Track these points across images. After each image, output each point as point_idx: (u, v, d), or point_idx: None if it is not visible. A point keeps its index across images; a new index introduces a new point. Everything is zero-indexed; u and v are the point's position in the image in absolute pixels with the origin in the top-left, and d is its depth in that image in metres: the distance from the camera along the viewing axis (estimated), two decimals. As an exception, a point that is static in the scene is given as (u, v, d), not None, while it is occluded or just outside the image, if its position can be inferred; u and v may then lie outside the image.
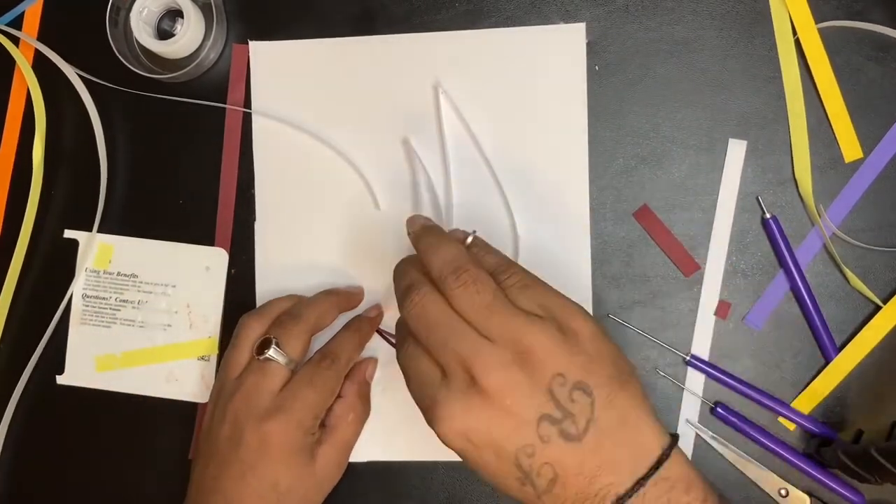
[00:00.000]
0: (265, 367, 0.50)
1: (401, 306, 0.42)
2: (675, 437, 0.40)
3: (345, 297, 0.55)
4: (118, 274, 0.58)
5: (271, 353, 0.50)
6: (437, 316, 0.41)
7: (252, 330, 0.52)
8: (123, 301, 0.57)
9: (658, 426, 0.40)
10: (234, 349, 0.52)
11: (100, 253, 0.58)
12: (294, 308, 0.53)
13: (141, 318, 0.57)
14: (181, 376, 0.57)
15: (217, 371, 0.56)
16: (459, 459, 0.54)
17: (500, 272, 0.42)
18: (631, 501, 0.38)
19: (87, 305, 0.58)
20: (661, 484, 0.39)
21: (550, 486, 0.39)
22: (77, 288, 0.58)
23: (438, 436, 0.40)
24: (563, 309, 0.41)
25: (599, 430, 0.39)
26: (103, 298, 0.58)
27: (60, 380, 0.58)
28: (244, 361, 0.52)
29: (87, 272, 0.58)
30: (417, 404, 0.42)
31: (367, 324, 0.55)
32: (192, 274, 0.57)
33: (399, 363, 0.43)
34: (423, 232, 0.44)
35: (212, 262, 0.57)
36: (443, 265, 0.42)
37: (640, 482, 0.38)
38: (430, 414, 0.40)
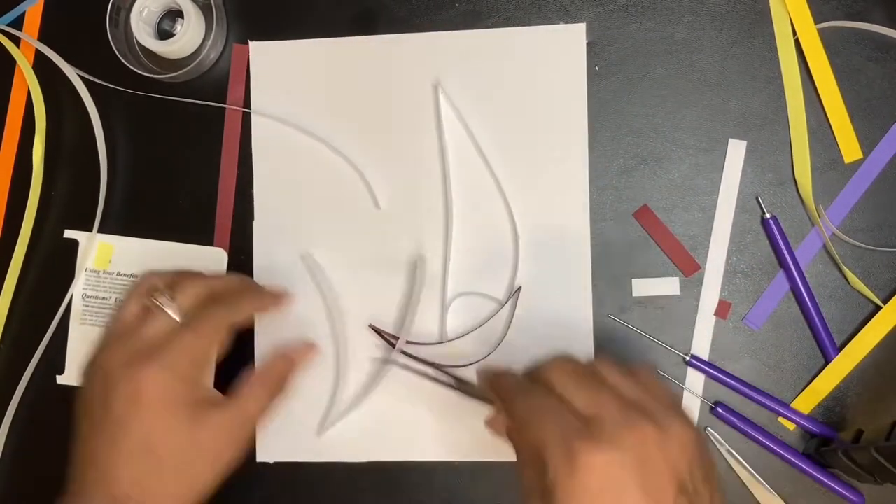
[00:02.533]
0: (149, 315, 0.46)
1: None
2: None
3: (269, 297, 0.53)
4: (118, 274, 0.58)
5: (158, 298, 0.46)
6: (540, 403, 0.40)
7: (149, 283, 0.48)
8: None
9: None
10: (126, 300, 0.48)
11: (100, 253, 0.58)
12: (203, 274, 0.50)
13: (141, 317, 0.57)
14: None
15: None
16: (459, 460, 0.55)
17: (594, 366, 0.41)
18: None
19: (88, 305, 0.58)
20: None
21: None
22: (77, 288, 0.58)
23: (577, 467, 0.36)
24: (664, 409, 0.39)
25: None
26: (103, 298, 0.58)
27: (61, 379, 0.58)
28: (130, 315, 0.47)
29: (87, 272, 0.58)
30: (547, 446, 0.38)
31: (270, 298, 0.52)
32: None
33: (520, 408, 0.40)
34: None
35: (211, 262, 0.57)
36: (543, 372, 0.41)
37: None
38: (574, 443, 0.37)
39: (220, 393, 0.47)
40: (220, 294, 0.49)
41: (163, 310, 0.46)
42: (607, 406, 0.38)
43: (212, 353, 0.46)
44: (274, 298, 0.54)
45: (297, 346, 0.53)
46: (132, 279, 0.57)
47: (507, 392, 0.42)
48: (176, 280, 0.49)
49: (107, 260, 0.58)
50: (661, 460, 0.36)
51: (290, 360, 0.51)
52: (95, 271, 0.58)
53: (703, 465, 0.38)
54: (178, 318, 0.46)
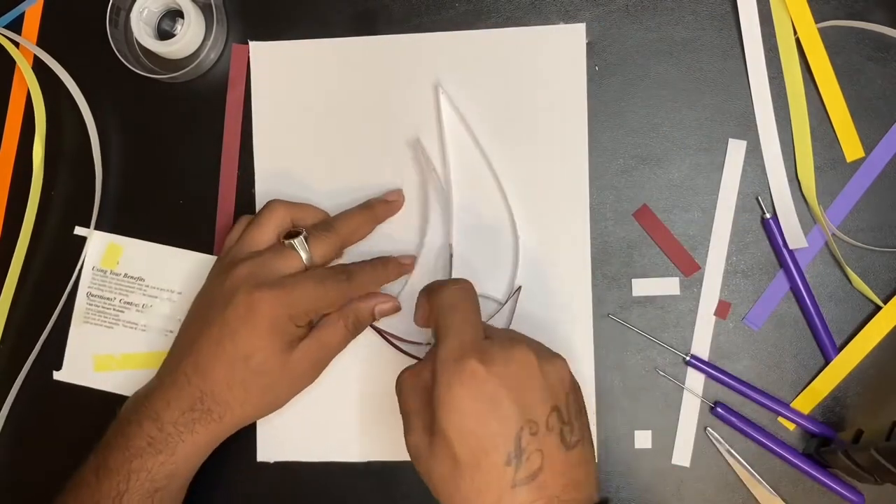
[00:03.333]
0: (284, 252, 0.50)
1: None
2: (604, 500, 0.43)
3: (382, 208, 0.55)
4: (125, 276, 0.58)
5: (296, 242, 0.50)
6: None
7: (279, 215, 0.52)
8: (128, 303, 0.57)
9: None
10: (258, 227, 0.52)
11: (109, 253, 0.58)
12: (328, 219, 0.54)
13: (144, 321, 0.57)
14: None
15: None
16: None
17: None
18: None
19: (91, 304, 0.58)
20: None
21: (531, 477, 0.40)
22: (82, 286, 0.58)
23: (462, 375, 0.41)
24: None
25: (583, 451, 0.42)
26: (108, 299, 0.58)
27: (57, 375, 0.58)
28: (265, 242, 0.52)
29: (94, 271, 0.58)
30: (444, 344, 0.43)
31: (395, 266, 0.54)
32: (198, 282, 0.56)
33: (442, 296, 0.45)
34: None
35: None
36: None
37: None
38: (468, 354, 0.42)
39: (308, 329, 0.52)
40: (350, 240, 0.54)
41: (295, 251, 0.50)
42: (501, 334, 0.44)
43: (327, 309, 0.51)
44: (398, 271, 0.55)
45: (382, 299, 0.54)
46: (139, 282, 0.57)
47: (436, 285, 0.47)
48: (314, 224, 0.53)
49: (115, 261, 0.58)
50: (539, 384, 0.42)
51: (370, 314, 0.54)
52: (102, 271, 0.58)
53: (578, 402, 0.43)
54: (306, 263, 0.51)
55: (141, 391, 0.51)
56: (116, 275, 0.58)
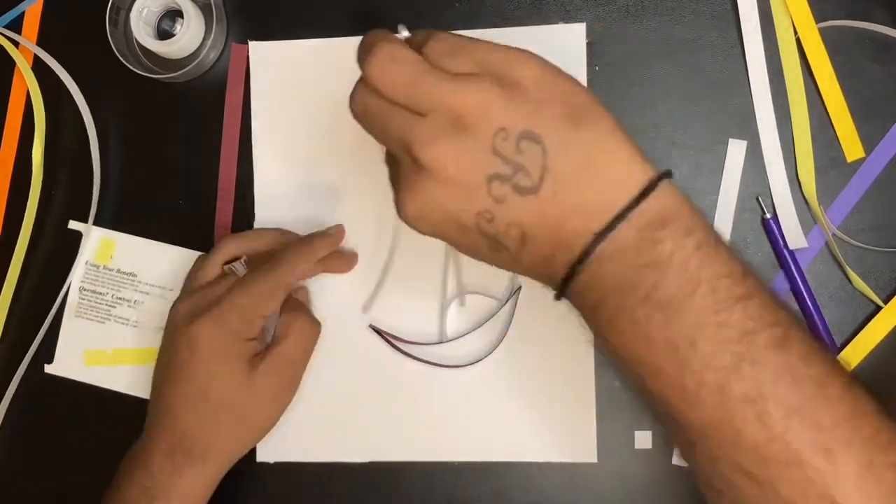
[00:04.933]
0: (222, 279, 0.50)
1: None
2: (665, 173, 0.37)
3: (328, 242, 0.53)
4: (118, 271, 0.58)
5: (235, 265, 0.50)
6: (370, 108, 0.39)
7: (228, 250, 0.52)
8: (120, 299, 0.57)
9: (638, 161, 0.37)
10: (205, 260, 0.52)
11: (102, 248, 0.58)
12: (278, 254, 0.51)
13: (135, 317, 0.57)
14: (167, 381, 0.57)
15: None
16: (459, 460, 0.55)
17: (424, 43, 0.39)
18: (608, 244, 0.36)
19: (84, 299, 0.58)
20: (645, 222, 0.36)
21: (522, 245, 0.37)
22: (75, 280, 0.58)
23: (407, 224, 0.39)
24: (503, 61, 0.37)
25: (557, 176, 0.36)
26: (100, 294, 0.58)
27: (49, 369, 0.58)
28: (211, 276, 0.51)
29: (87, 265, 0.58)
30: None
31: (322, 240, 0.52)
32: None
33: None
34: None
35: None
36: (359, 52, 0.39)
37: (615, 221, 0.36)
38: (396, 207, 0.39)
39: (267, 342, 0.51)
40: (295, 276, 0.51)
41: (234, 273, 0.50)
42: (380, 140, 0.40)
43: (261, 309, 0.49)
44: (324, 243, 0.53)
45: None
46: (131, 278, 0.57)
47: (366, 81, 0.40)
48: (252, 246, 0.52)
49: (108, 255, 0.58)
50: (450, 175, 0.37)
51: (306, 294, 0.53)
52: (95, 265, 0.58)
53: (511, 131, 0.36)
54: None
55: (133, 447, 0.51)
56: (109, 270, 0.58)
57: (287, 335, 0.51)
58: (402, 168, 0.39)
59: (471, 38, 0.39)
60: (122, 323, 0.57)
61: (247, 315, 0.48)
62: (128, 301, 0.57)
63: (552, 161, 0.36)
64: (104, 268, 0.58)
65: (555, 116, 0.37)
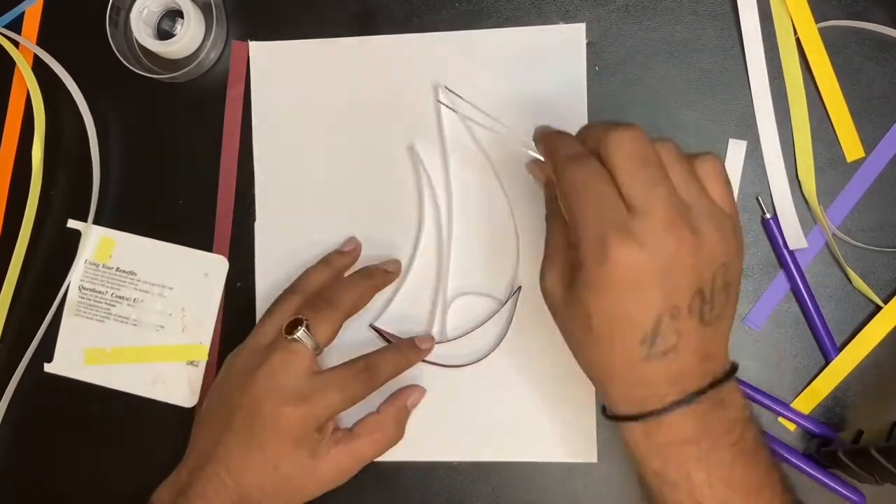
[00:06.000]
0: (292, 347, 0.50)
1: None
2: (735, 365, 0.43)
3: (381, 277, 0.55)
4: (117, 269, 0.58)
5: (300, 334, 0.50)
6: (590, 182, 0.41)
7: (288, 305, 0.53)
8: (119, 297, 0.57)
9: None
10: (269, 318, 0.53)
11: (101, 246, 0.58)
12: (329, 292, 0.53)
13: (135, 316, 0.57)
14: (168, 379, 0.57)
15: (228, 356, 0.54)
16: (459, 460, 0.55)
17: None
18: (714, 393, 0.41)
19: (83, 297, 0.58)
20: (730, 391, 0.42)
21: (665, 353, 0.40)
22: (74, 278, 0.58)
23: (607, 259, 0.39)
24: (735, 210, 0.43)
25: (721, 325, 0.41)
26: (100, 292, 0.58)
27: (48, 367, 0.58)
28: (273, 335, 0.52)
29: (86, 264, 0.58)
30: (583, 226, 0.40)
31: (409, 346, 0.54)
32: (190, 278, 0.57)
33: (566, 178, 0.41)
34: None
35: (211, 269, 0.57)
36: (588, 132, 0.43)
37: (726, 377, 0.42)
38: (544, 273, 0.44)
39: (344, 430, 0.52)
40: (351, 311, 0.53)
41: (301, 343, 0.50)
42: (656, 204, 0.39)
43: (346, 406, 0.51)
44: (393, 278, 0.55)
45: (410, 392, 0.55)
46: (130, 276, 0.57)
47: (558, 156, 0.43)
48: (315, 298, 0.53)
49: (107, 254, 0.58)
50: (689, 267, 0.39)
51: (406, 411, 0.54)
52: (95, 264, 0.58)
53: (725, 277, 0.41)
54: (312, 351, 0.51)
55: (171, 484, 0.51)
56: (109, 268, 0.58)
57: (368, 434, 0.52)
58: (584, 247, 0.40)
59: (696, 157, 0.43)
60: (122, 321, 0.57)
61: (335, 414, 0.51)
62: (127, 300, 0.57)
63: (725, 314, 0.42)
64: (103, 266, 0.58)
65: (740, 286, 0.43)
